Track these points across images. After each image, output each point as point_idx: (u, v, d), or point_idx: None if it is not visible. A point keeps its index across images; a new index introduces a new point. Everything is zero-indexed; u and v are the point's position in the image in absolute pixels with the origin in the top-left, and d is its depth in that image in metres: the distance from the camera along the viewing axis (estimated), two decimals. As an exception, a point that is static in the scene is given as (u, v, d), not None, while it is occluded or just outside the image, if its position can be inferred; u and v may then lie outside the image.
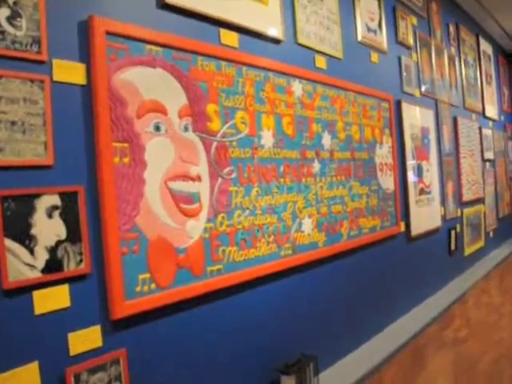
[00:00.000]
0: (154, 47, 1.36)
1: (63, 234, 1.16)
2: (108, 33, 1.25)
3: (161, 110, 1.37)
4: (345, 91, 2.23)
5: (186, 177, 1.43)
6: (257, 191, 1.68)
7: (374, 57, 2.57)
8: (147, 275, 1.31)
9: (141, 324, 1.31)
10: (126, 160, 1.28)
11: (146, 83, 1.34)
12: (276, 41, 1.85)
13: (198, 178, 1.47)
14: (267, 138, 1.74)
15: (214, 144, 1.53)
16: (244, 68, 1.66)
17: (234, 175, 1.59)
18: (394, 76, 2.79)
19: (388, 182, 2.56)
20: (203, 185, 1.48)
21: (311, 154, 1.97)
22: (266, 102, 1.75)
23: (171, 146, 1.40)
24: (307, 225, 1.91)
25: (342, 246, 2.12)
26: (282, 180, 1.80)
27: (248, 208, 1.64)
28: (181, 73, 1.44)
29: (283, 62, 1.86)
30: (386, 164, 2.55)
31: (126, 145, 1.28)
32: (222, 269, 1.53)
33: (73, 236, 1.17)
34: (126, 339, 1.27)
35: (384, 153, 2.53)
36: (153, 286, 1.32)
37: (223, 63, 1.58)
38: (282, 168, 1.80)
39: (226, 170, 1.56)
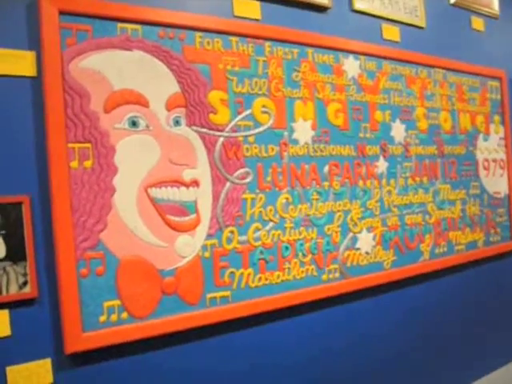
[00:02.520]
0: (128, 25, 1.07)
1: (1, 253, 0.93)
2: (62, 12, 0.99)
3: (139, 101, 1.07)
4: (429, 68, 1.67)
5: (177, 182, 1.11)
6: (286, 198, 1.28)
7: (478, 23, 1.91)
8: (116, 302, 1.02)
9: (108, 360, 1.03)
10: (88, 164, 1.01)
11: (118, 70, 1.05)
12: (320, 8, 1.42)
13: (195, 184, 1.13)
14: (303, 131, 1.32)
15: (220, 140, 1.18)
16: (267, 44, 1.27)
17: (249, 179, 1.22)
18: (509, 47, 2.07)
19: (497, 183, 1.88)
20: (202, 191, 1.14)
21: (374, 150, 1.48)
22: (302, 86, 1.33)
23: (154, 144, 1.09)
24: (365, 240, 1.44)
25: (421, 268, 1.57)
26: (326, 183, 1.36)
27: (272, 220, 1.25)
28: (170, 54, 1.12)
29: (330, 35, 1.41)
30: (494, 160, 1.88)
31: (87, 145, 1.01)
32: (229, 296, 1.17)
33: (15, 254, 0.94)
34: (86, 378, 1.00)
35: (491, 146, 1.87)
36: (124, 315, 1.03)
37: (234, 39, 1.22)
38: (326, 168, 1.37)
39: (237, 173, 1.20)
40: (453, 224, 1.70)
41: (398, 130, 1.55)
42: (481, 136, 1.83)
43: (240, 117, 1.21)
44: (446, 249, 1.66)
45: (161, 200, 1.08)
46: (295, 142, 1.31)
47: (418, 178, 1.60)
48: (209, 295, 1.14)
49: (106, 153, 1.03)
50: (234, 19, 1.24)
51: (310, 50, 1.35)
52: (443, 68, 1.71)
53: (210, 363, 1.15)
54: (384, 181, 1.50)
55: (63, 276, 0.96)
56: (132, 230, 1.05)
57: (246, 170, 1.21)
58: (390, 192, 1.51)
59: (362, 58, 1.47)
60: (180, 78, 1.13)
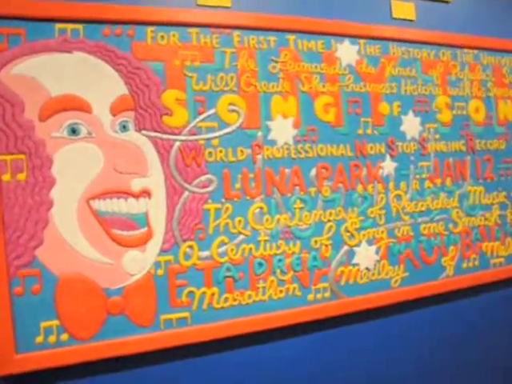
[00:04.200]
0: (68, 25, 0.98)
1: None
2: (-10, 15, 0.92)
3: (80, 107, 0.97)
4: (453, 49, 1.38)
5: (124, 193, 1.00)
6: (260, 208, 1.11)
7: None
8: (54, 322, 0.94)
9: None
10: (22, 176, 0.94)
11: (56, 75, 0.96)
12: (307, -12, 1.22)
13: (146, 194, 1.02)
14: (283, 130, 1.14)
15: (176, 145, 1.05)
16: (235, 33, 1.11)
17: (212, 187, 1.07)
18: None
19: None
20: (155, 203, 1.02)
21: (378, 149, 1.25)
22: (282, 78, 1.15)
23: (97, 152, 0.99)
24: (365, 254, 1.22)
25: (443, 285, 1.31)
26: (312, 189, 1.17)
27: (241, 233, 1.09)
28: (115, 53, 1.01)
29: (317, 17, 1.21)
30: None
31: (21, 157, 0.94)
32: (187, 318, 1.04)
33: None
34: (22, 405, 0.94)
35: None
36: (64, 336, 0.95)
37: (194, 31, 1.07)
38: (313, 172, 1.17)
39: (197, 181, 1.06)
40: (487, 233, 1.39)
41: (411, 124, 1.30)
42: (528, 126, 1.49)
43: (201, 117, 1.07)
44: (477, 263, 1.37)
45: (105, 213, 0.98)
46: (272, 142, 1.13)
47: (438, 180, 1.33)
48: (163, 316, 1.02)
49: (41, 164, 0.95)
50: (197, 8, 1.09)
51: (291, 37, 1.17)
52: (474, 48, 1.40)
53: (164, 392, 1.03)
54: (391, 184, 1.26)
55: (-6, 295, 0.90)
56: (72, 245, 0.96)
57: (209, 176, 1.07)
58: (399, 197, 1.27)
59: (362, 41, 1.25)
60: (128, 79, 1.01)
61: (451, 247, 1.33)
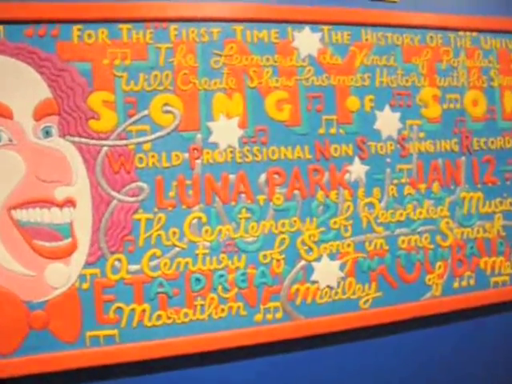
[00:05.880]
0: (-13, 27, 0.94)
1: None
2: None
3: (1, 112, 0.94)
4: (445, 32, 1.18)
5: (47, 202, 0.96)
6: (198, 218, 1.02)
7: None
8: (-28, 337, 0.92)
9: (-36, 402, 0.94)
10: None
11: (-24, 79, 0.94)
12: (260, -28, 1.09)
13: (70, 203, 0.97)
14: (226, 131, 1.04)
15: (104, 151, 0.98)
16: (172, 26, 1.02)
17: (143, 196, 1.00)
18: None
19: None
20: (80, 212, 0.97)
21: (344, 150, 1.10)
22: (226, 73, 1.04)
23: (19, 160, 0.95)
24: (326, 270, 1.08)
25: (427, 307, 1.13)
26: (261, 197, 1.05)
27: (176, 245, 1.01)
28: (38, 55, 0.96)
29: (270, 3, 1.09)
30: None
31: None
32: (115, 336, 0.97)
33: None
34: None
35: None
36: (-18, 351, 0.92)
37: (125, 26, 1.00)
38: (263, 177, 1.06)
39: (125, 189, 0.99)
40: (487, 247, 1.19)
41: (388, 121, 1.13)
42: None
43: (131, 120, 0.99)
44: (473, 281, 1.17)
45: (26, 223, 0.95)
46: (213, 146, 1.03)
47: (422, 185, 1.15)
48: (89, 333, 0.96)
49: (-41, 172, 0.93)
50: (128, 1, 1.02)
51: (238, 27, 1.05)
52: (473, 30, 1.19)
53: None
54: (361, 190, 1.11)
55: None
56: (-8, 256, 0.93)
57: (139, 184, 0.99)
58: (371, 205, 1.11)
59: (326, 28, 1.10)
60: (51, 82, 0.96)
61: (438, 263, 1.15)
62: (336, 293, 1.08)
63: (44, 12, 0.96)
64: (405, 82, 1.14)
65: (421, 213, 1.14)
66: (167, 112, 1.01)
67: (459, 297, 1.15)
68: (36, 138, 0.96)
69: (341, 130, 1.10)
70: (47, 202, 0.95)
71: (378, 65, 1.13)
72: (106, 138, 0.98)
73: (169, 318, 0.99)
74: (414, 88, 1.15)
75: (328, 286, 1.08)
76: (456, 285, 1.16)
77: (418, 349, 1.14)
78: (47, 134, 0.96)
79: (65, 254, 0.96)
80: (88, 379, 0.98)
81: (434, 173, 1.15)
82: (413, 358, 1.14)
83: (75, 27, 0.98)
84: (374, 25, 1.12)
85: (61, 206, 0.96)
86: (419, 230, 1.14)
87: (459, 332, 1.17)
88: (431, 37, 1.17)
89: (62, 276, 0.96)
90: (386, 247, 1.11)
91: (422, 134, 1.15)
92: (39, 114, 0.96)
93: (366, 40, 1.12)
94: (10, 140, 0.94)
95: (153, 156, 1.00)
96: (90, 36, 0.98)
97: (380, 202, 1.12)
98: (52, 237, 0.95)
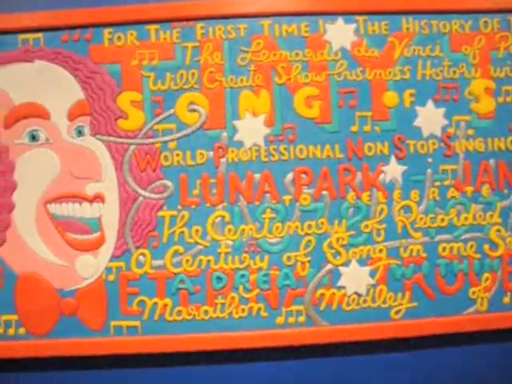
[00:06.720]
0: (30, 35, 1.02)
1: None
2: (-40, 32, 1.01)
3: (39, 113, 1.01)
4: (503, 15, 1.04)
5: (79, 197, 1.02)
6: (222, 217, 1.02)
7: None
8: (14, 317, 1.01)
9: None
10: (-12, 181, 1.02)
11: (19, 84, 1.02)
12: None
13: (99, 199, 1.02)
14: (252, 130, 1.02)
15: (131, 149, 1.02)
16: (199, 25, 1.02)
17: (167, 193, 1.02)
18: None
19: None
20: (108, 208, 1.02)
21: (379, 148, 1.03)
22: (253, 70, 1.02)
23: (54, 157, 1.02)
24: (355, 276, 1.02)
25: (469, 322, 1.02)
26: (287, 197, 1.02)
27: (199, 243, 1.02)
28: (72, 59, 1.02)
29: (301, -4, 1.04)
30: None
31: (-13, 162, 1.02)
32: (138, 327, 1.01)
33: None
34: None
35: None
36: (22, 330, 1.01)
37: (153, 27, 1.02)
38: (289, 177, 1.02)
39: (151, 187, 1.02)
40: (549, 260, 1.04)
41: (430, 117, 1.03)
42: None
43: (157, 119, 1.01)
44: (527, 299, 1.04)
45: (60, 216, 1.01)
46: (238, 144, 1.02)
47: (469, 188, 1.03)
48: (113, 323, 1.01)
49: (4, 169, 1.02)
50: (155, 2, 1.03)
51: (265, 22, 1.02)
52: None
53: (113, 399, 1.03)
54: (397, 192, 1.03)
55: (-37, 287, 1.00)
56: (30, 246, 1.02)
57: (164, 182, 1.01)
58: (408, 208, 1.03)
59: (361, 18, 1.03)
60: (84, 84, 1.02)
61: (486, 275, 1.03)
62: (364, 300, 1.02)
63: (78, 18, 1.01)
64: (452, 73, 1.03)
65: (466, 218, 1.03)
66: (193, 110, 1.02)
67: (509, 313, 1.03)
68: (70, 138, 1.01)
69: (376, 128, 1.02)
70: (79, 197, 1.01)
71: (420, 56, 1.03)
72: (134, 137, 1.01)
73: (189, 314, 1.01)
74: (462, 80, 1.04)
75: (356, 293, 1.02)
76: (506, 300, 1.03)
77: (455, 367, 1.04)
78: (80, 133, 1.01)
79: (94, 247, 1.01)
80: (110, 366, 1.02)
81: (485, 174, 1.03)
82: (449, 375, 1.04)
83: (106, 30, 1.02)
84: (416, 12, 1.03)
85: (91, 201, 1.01)
86: (464, 237, 1.03)
87: (505, 352, 1.04)
88: (485, 21, 1.04)
89: (91, 267, 1.01)
90: (424, 254, 1.02)
91: (470, 132, 1.03)
92: (73, 115, 1.01)
93: (407, 29, 1.03)
94: (47, 139, 1.01)
95: (177, 154, 1.01)
96: (119, 38, 1.02)
97: (419, 205, 1.03)
98: (83, 230, 1.01)
